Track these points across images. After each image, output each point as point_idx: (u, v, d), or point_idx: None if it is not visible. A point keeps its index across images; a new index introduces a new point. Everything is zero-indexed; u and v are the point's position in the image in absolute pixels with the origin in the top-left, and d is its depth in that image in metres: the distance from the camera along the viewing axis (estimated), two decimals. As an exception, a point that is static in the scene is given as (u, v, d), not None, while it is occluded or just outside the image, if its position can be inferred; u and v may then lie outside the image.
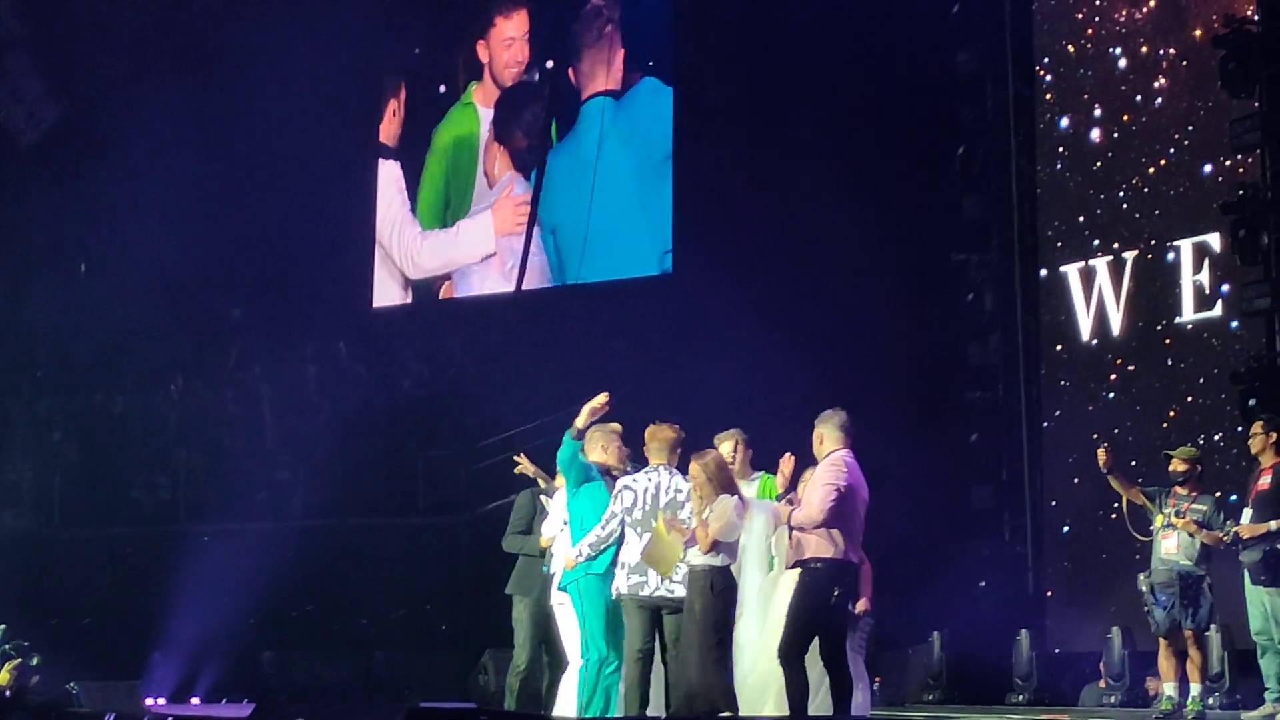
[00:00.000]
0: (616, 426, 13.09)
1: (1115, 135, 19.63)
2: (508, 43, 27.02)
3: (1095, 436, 19.05)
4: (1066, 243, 19.95)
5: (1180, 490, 13.87)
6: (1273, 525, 13.27)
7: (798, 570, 11.72)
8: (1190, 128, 18.78)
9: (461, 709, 12.72)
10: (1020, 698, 18.40)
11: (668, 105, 25.23)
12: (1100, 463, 13.86)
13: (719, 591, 11.60)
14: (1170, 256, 18.69)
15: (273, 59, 24.84)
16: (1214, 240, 18.13)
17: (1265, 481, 13.48)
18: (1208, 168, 18.54)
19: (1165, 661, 13.96)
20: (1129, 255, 19.11)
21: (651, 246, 25.02)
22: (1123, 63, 19.66)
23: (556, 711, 12.51)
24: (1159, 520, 13.88)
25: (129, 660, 21.58)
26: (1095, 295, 19.39)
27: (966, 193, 21.02)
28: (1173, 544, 13.79)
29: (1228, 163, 18.20)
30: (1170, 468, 13.99)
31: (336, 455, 25.32)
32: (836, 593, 11.58)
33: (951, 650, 19.15)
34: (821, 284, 21.08)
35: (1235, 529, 13.48)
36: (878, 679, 19.22)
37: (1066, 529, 19.81)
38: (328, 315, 26.58)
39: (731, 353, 20.63)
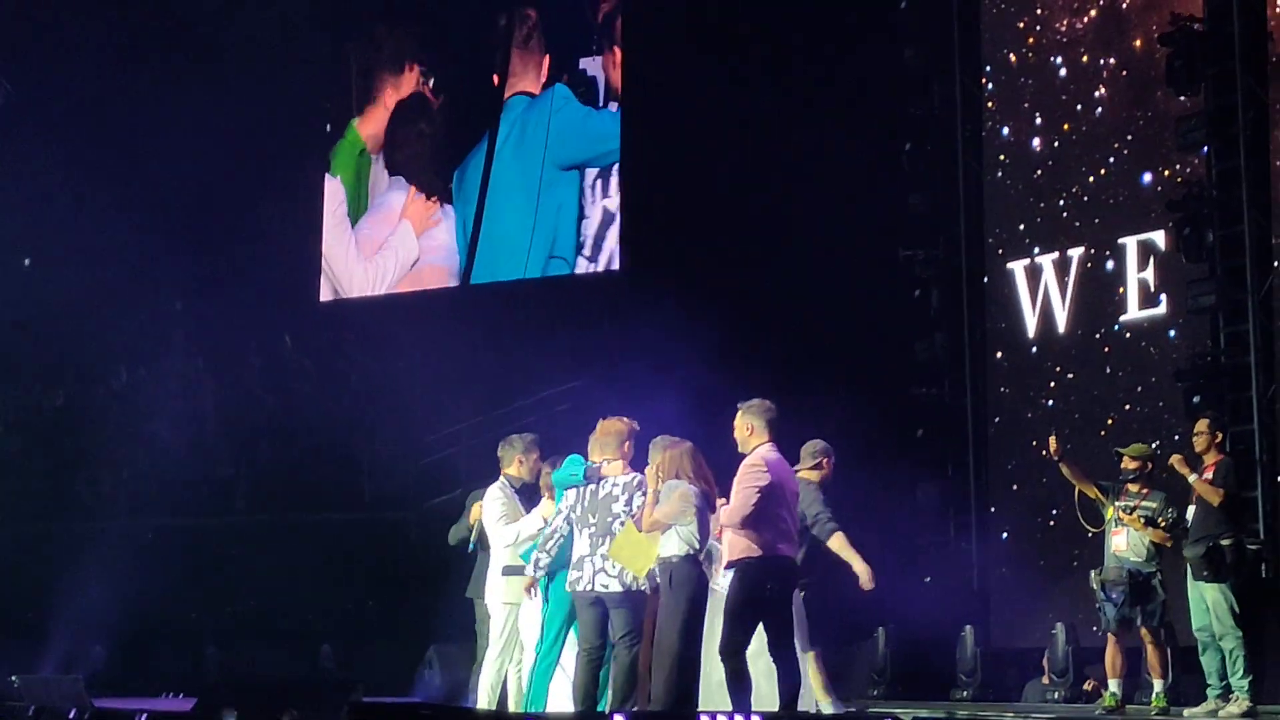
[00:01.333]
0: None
1: (1056, 144, 19.66)
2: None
3: (1034, 443, 19.17)
4: (1012, 242, 19.98)
5: (1131, 487, 13.94)
6: (1191, 477, 13.48)
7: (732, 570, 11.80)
8: (1129, 137, 18.83)
9: (406, 704, 12.69)
10: (964, 693, 18.43)
11: (579, 111, 25.48)
12: (1051, 450, 13.93)
13: (676, 584, 11.59)
14: (1114, 255, 18.74)
15: (225, 50, 24.77)
16: (1159, 238, 18.20)
17: (1208, 477, 13.56)
18: (1147, 176, 18.58)
19: (1112, 658, 14.03)
20: (1074, 253, 19.15)
21: (540, 249, 25.29)
22: (1063, 72, 19.70)
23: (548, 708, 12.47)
24: (1109, 513, 13.96)
25: (71, 654, 21.46)
26: (1041, 293, 19.43)
27: (914, 189, 21.03)
28: (1123, 541, 13.88)
29: (1166, 172, 18.26)
30: (1121, 465, 14.07)
31: (281, 450, 25.22)
32: (769, 586, 11.63)
33: (896, 646, 19.17)
34: (769, 279, 21.08)
35: (1172, 459, 13.63)
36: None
37: (1005, 535, 19.89)
38: (273, 309, 26.48)
39: (678, 349, 20.61)
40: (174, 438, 25.75)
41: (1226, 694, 13.55)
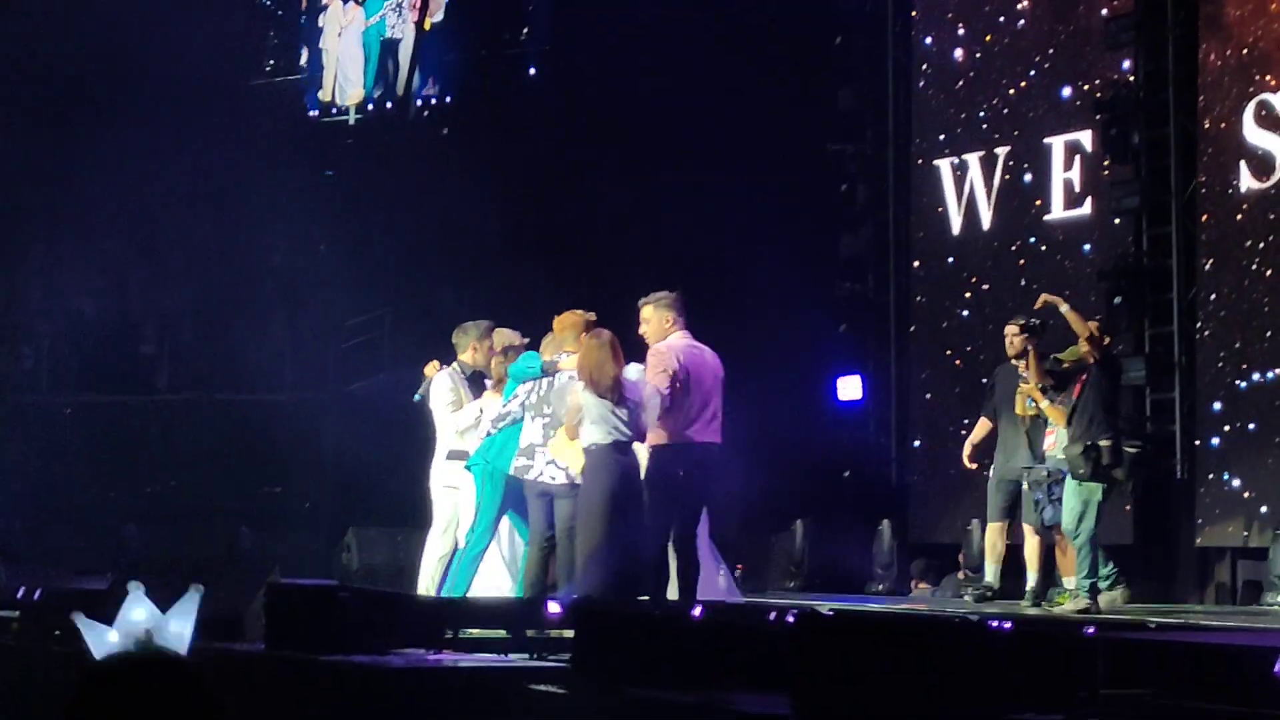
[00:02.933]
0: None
1: (978, 55, 19.60)
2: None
3: (949, 352, 19.27)
4: (939, 138, 19.96)
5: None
6: (1064, 307, 13.86)
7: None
8: (1051, 50, 18.80)
9: (321, 585, 12.68)
10: (880, 587, 18.58)
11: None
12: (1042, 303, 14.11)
13: (588, 472, 11.63)
14: (1040, 156, 18.75)
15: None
16: (1085, 139, 18.22)
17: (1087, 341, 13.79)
18: (1067, 90, 18.57)
19: (1031, 551, 14.32)
20: (1000, 151, 19.16)
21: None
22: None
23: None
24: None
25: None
26: (967, 189, 19.44)
27: (843, 84, 20.97)
28: (1054, 440, 14.08)
29: (1086, 86, 18.25)
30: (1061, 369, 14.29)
31: (202, 329, 25.11)
32: (681, 473, 11.69)
33: (813, 539, 19.29)
34: (694, 171, 21.03)
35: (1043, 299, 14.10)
36: (739, 566, 19.38)
37: (918, 443, 20.01)
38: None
39: (600, 236, 20.61)
40: (94, 315, 25.60)
41: (1109, 588, 13.76)
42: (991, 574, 14.96)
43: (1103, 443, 13.42)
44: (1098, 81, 18.04)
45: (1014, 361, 14.67)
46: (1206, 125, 17.10)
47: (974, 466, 15.15)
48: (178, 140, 25.38)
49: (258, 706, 9.21)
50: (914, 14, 20.42)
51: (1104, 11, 18.08)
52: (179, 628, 5.60)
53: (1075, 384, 13.79)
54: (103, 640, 5.64)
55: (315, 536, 21.71)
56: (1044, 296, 14.20)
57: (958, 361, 19.40)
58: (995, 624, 7.77)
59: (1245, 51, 16.81)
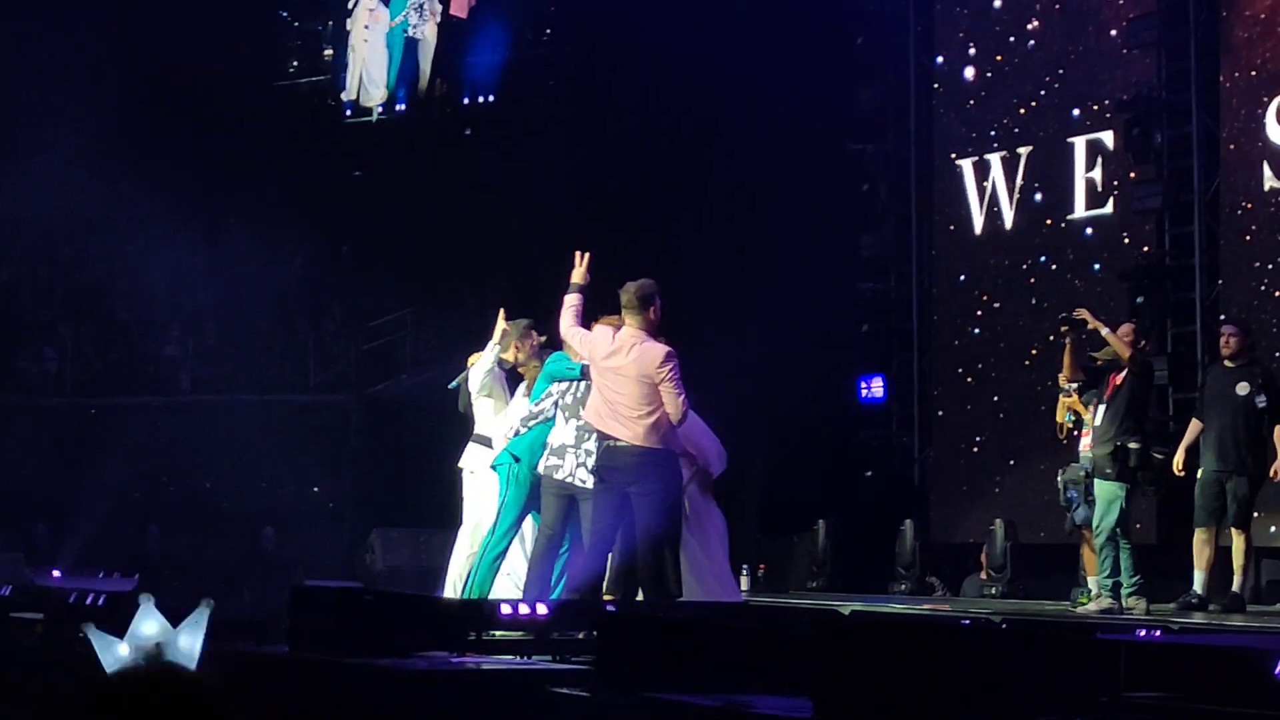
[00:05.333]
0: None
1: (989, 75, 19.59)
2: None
3: (973, 348, 19.27)
4: (961, 137, 19.93)
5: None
6: (1104, 330, 13.65)
7: None
8: (1061, 70, 18.78)
9: (345, 587, 12.71)
10: (903, 587, 18.57)
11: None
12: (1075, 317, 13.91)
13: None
14: (1063, 155, 18.72)
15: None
16: (1108, 138, 18.20)
17: (1122, 335, 13.72)
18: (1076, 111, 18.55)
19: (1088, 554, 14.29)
20: (1023, 151, 19.14)
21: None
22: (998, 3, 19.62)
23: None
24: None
25: (14, 532, 21.44)
26: (989, 189, 19.41)
27: (864, 84, 20.95)
28: (1089, 441, 14.06)
29: (1109, 85, 18.22)
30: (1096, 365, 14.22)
31: (226, 330, 25.16)
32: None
33: (836, 538, 19.29)
34: (716, 172, 21.04)
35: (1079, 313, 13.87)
36: (762, 565, 19.39)
37: (950, 414, 19.96)
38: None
39: (622, 236, 20.57)
40: (120, 317, 25.66)
41: (1133, 593, 13.65)
42: (1199, 582, 13.79)
43: (1132, 445, 13.39)
44: (1119, 81, 18.01)
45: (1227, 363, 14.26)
46: (1228, 124, 17.07)
47: (1183, 474, 14.07)
48: (202, 140, 25.44)
49: (282, 709, 9.24)
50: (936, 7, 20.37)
51: (1108, 45, 18.08)
52: (189, 642, 5.61)
53: (1108, 384, 13.74)
54: (113, 653, 5.66)
55: (339, 538, 21.76)
56: (1079, 311, 14.07)
57: (979, 365, 19.38)
58: (1015, 626, 7.77)
59: (1268, 53, 16.78)
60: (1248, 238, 16.90)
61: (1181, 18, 17.41)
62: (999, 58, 19.51)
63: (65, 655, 10.71)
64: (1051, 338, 14.84)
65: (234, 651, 9.68)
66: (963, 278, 19.80)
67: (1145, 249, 17.69)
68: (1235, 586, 13.85)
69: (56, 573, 20.24)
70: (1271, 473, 13.72)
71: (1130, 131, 17.58)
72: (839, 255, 20.86)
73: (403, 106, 27.00)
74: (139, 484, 23.41)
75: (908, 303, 20.57)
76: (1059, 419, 14.78)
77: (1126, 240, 18.04)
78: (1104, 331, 13.73)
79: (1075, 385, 14.32)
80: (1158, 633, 9.18)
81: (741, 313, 20.40)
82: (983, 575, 18.03)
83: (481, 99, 26.41)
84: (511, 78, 26.20)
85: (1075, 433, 14.69)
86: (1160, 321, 17.34)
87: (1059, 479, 14.74)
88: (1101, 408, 13.66)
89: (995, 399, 19.18)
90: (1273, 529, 16.28)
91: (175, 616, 5.73)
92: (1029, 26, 19.23)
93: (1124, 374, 13.56)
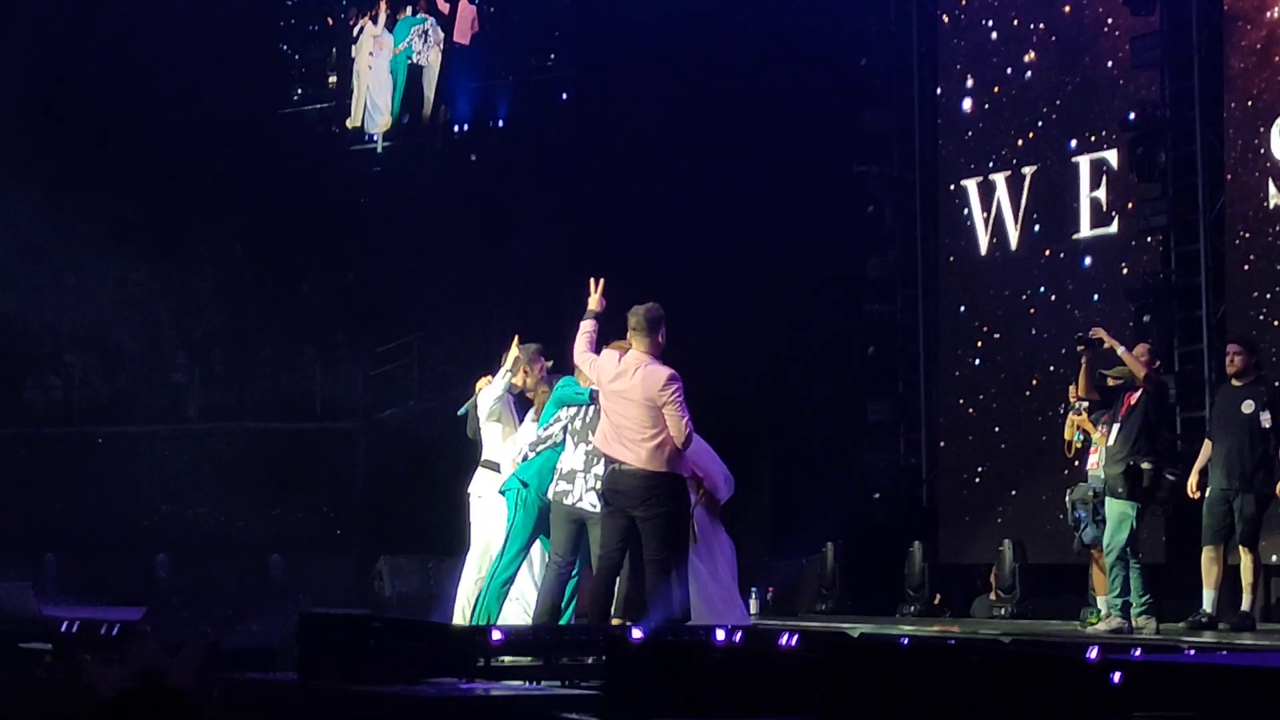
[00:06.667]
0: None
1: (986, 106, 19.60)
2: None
3: (981, 349, 19.24)
4: (964, 158, 19.92)
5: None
6: (1120, 349, 13.71)
7: None
8: (1058, 102, 18.78)
9: (354, 615, 12.69)
10: (912, 609, 18.55)
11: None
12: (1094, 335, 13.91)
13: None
14: (1068, 174, 18.72)
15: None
16: (1112, 157, 18.20)
17: (1138, 354, 13.70)
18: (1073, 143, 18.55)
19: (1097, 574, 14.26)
20: (1027, 171, 19.14)
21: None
22: (994, 35, 19.62)
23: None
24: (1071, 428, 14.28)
25: (21, 561, 21.41)
26: (994, 209, 19.40)
27: (868, 106, 20.95)
28: (1096, 460, 14.05)
29: (1093, 138, 18.22)
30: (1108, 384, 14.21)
31: (233, 358, 25.15)
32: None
33: (845, 561, 19.26)
34: (722, 194, 21.03)
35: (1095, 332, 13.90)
36: (770, 589, 19.36)
37: (952, 445, 19.94)
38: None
39: (628, 259, 20.57)
40: (125, 345, 25.65)
41: (1143, 613, 13.61)
42: (1208, 601, 13.88)
43: (1144, 465, 13.39)
44: (1122, 100, 18.01)
45: (1234, 382, 14.29)
46: (1233, 143, 17.06)
47: (1197, 495, 14.10)
48: (209, 169, 25.44)
49: (290, 737, 9.22)
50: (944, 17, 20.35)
51: (1104, 75, 18.11)
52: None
53: (1122, 403, 13.73)
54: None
55: (347, 565, 21.73)
56: (1095, 330, 14.07)
57: (980, 396, 19.36)
58: (1024, 648, 7.75)
59: (1272, 69, 16.78)
60: (1253, 255, 16.89)
61: (1184, 36, 17.42)
62: (996, 89, 19.51)
63: (72, 687, 10.69)
64: (1051, 368, 14.81)
65: (242, 680, 9.66)
66: (968, 299, 19.75)
67: (1151, 268, 17.66)
68: (1245, 605, 13.85)
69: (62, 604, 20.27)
70: (1278, 491, 13.72)
71: (1135, 149, 17.57)
72: (845, 277, 20.86)
73: (402, 132, 27.06)
74: (146, 512, 23.39)
75: (914, 325, 20.55)
76: (1068, 436, 14.78)
77: (1132, 259, 18.02)
78: (1120, 351, 13.73)
79: (1085, 404, 14.33)
80: (1167, 653, 9.17)
81: (747, 335, 20.41)
82: (992, 596, 18.02)
83: (487, 124, 26.45)
84: (516, 103, 26.23)
85: (1084, 451, 14.70)
86: (1167, 340, 17.32)
87: (1067, 498, 14.78)
88: (1115, 427, 13.65)
89: (997, 429, 19.18)
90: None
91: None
92: (1025, 59, 19.25)
93: (1138, 394, 13.56)
